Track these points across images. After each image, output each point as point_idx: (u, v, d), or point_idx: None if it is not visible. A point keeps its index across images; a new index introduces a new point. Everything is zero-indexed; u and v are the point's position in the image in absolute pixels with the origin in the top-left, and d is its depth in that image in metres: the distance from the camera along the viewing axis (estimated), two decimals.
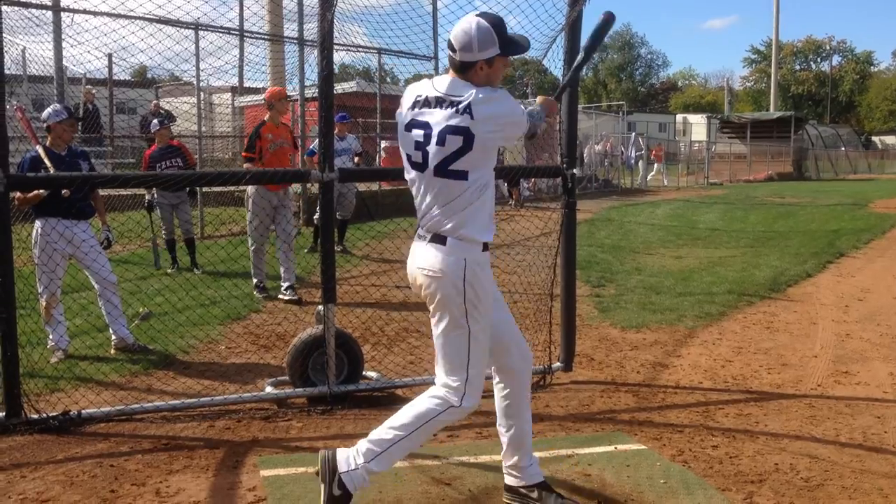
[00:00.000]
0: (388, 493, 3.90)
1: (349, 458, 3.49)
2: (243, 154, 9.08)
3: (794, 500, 3.93)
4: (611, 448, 4.56)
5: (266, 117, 8.88)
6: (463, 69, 3.37)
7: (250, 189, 8.77)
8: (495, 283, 3.67)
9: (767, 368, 6.33)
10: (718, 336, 7.36)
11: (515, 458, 3.78)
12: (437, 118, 3.34)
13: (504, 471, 3.83)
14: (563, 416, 5.13)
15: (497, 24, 3.36)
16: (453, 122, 3.30)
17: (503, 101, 3.38)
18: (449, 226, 3.40)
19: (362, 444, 3.51)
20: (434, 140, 3.34)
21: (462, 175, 3.35)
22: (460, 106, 3.30)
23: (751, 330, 7.61)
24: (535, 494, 3.74)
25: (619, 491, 4.00)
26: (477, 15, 3.38)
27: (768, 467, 4.33)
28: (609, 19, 3.85)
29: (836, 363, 6.48)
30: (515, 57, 3.54)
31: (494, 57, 3.35)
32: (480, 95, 3.30)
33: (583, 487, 4.00)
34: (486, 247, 3.48)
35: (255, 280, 8.86)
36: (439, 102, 3.36)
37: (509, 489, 3.82)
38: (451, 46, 3.38)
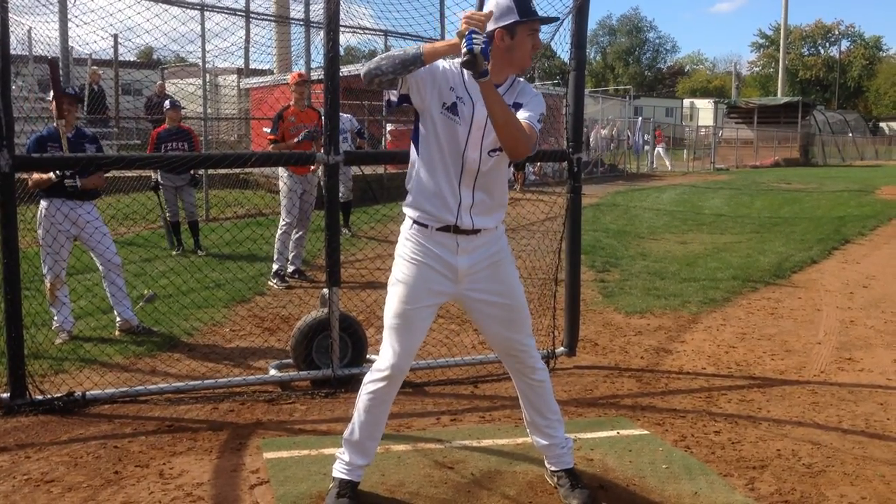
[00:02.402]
0: (390, 477, 3.91)
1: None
2: (268, 137, 9.11)
3: (795, 486, 3.93)
4: (613, 433, 4.57)
5: (291, 101, 8.96)
6: None
7: (282, 172, 8.84)
8: (501, 277, 3.57)
9: (771, 354, 6.32)
10: (722, 322, 7.36)
11: (539, 443, 3.80)
12: None
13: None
14: (566, 401, 5.14)
15: None
16: None
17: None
18: None
19: None
20: None
21: (413, 145, 3.46)
22: None
23: (755, 316, 7.60)
24: (554, 480, 3.77)
25: (622, 476, 4.00)
26: None
27: (770, 453, 4.33)
28: None
29: (840, 350, 6.47)
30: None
31: (515, 26, 3.28)
32: None
33: (585, 472, 4.00)
34: (422, 224, 3.44)
35: (275, 266, 8.65)
36: None
37: (547, 470, 3.87)
38: None
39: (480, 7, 3.45)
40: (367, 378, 3.56)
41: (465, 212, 3.41)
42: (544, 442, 3.76)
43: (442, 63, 3.35)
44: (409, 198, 3.48)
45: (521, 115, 3.30)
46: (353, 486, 3.59)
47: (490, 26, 3.25)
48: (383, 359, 3.49)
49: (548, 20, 3.52)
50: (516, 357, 3.65)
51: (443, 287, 3.49)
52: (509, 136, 3.21)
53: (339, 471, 3.61)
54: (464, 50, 3.04)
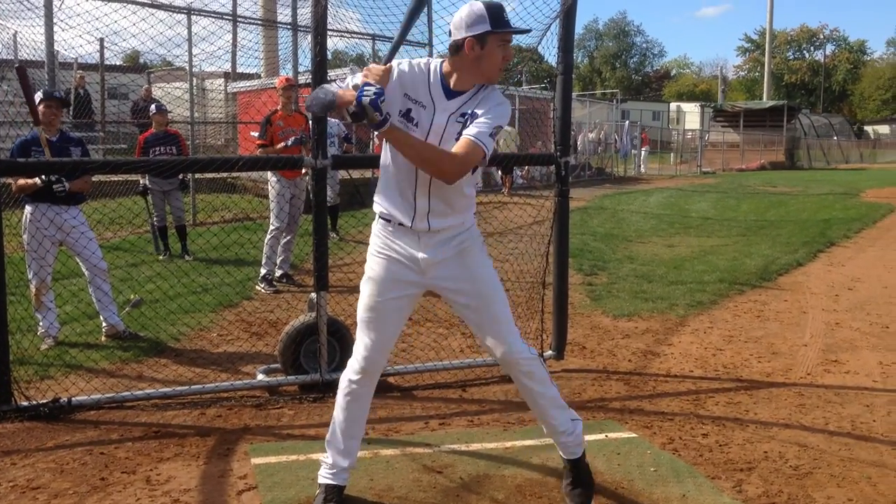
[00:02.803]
0: (378, 481, 3.90)
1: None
2: (256, 141, 9.09)
3: (783, 487, 3.95)
4: (602, 436, 4.58)
5: (279, 105, 8.95)
6: (455, 50, 3.33)
7: (272, 177, 8.83)
8: (472, 269, 3.54)
9: (757, 357, 6.35)
10: (709, 325, 7.39)
11: (545, 430, 3.77)
12: None
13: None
14: None
15: (493, 4, 3.31)
16: None
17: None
18: None
19: None
20: None
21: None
22: None
23: (741, 318, 7.63)
24: (562, 466, 3.78)
25: (610, 479, 4.01)
26: None
27: (758, 455, 4.35)
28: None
29: (826, 352, 6.50)
30: (514, 43, 3.45)
31: (486, 36, 3.27)
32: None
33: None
34: (386, 219, 3.49)
35: (263, 271, 8.59)
36: None
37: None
38: (449, 33, 3.37)
39: (406, 29, 3.42)
40: (343, 376, 3.59)
41: (422, 217, 3.42)
42: (546, 429, 3.74)
43: (408, 65, 3.38)
44: (376, 192, 3.55)
45: (469, 130, 3.27)
46: (339, 490, 3.59)
47: (462, 34, 3.28)
48: (357, 355, 3.53)
49: (520, 31, 3.52)
50: (498, 345, 3.55)
51: (409, 277, 3.50)
52: (430, 169, 3.28)
53: (324, 476, 3.61)
54: (353, 102, 3.11)
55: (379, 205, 3.51)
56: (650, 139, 36.26)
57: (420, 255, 3.45)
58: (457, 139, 3.29)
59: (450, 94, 3.37)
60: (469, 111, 3.33)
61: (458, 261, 3.50)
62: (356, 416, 3.59)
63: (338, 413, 3.58)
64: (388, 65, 3.28)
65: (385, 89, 3.19)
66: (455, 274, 3.50)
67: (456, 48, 3.32)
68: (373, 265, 3.52)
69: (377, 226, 3.54)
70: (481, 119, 3.29)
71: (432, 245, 3.46)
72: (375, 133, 3.24)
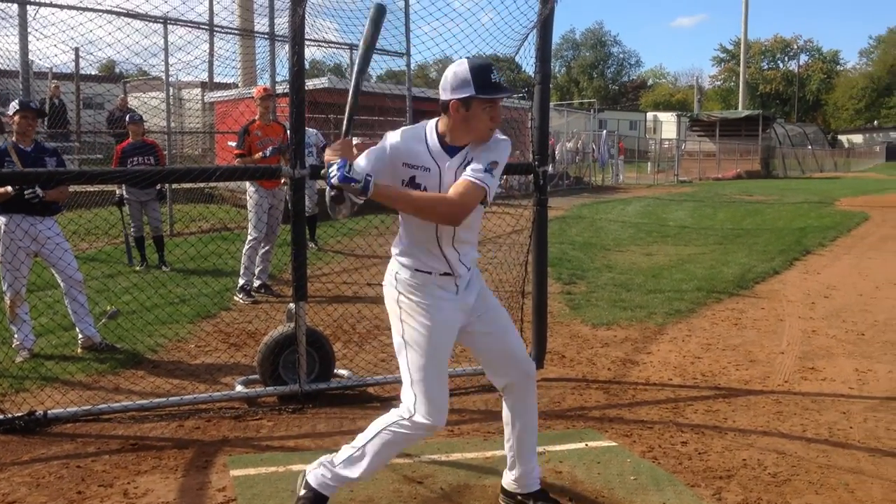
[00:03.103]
0: (359, 493, 3.88)
1: (319, 460, 3.52)
2: (234, 151, 9.04)
3: (761, 495, 3.97)
4: (581, 445, 4.59)
5: (256, 115, 8.91)
6: (444, 109, 3.34)
7: (249, 187, 8.77)
8: (487, 299, 3.62)
9: (735, 365, 6.39)
10: (688, 333, 7.43)
11: (515, 467, 3.77)
12: None
13: (505, 472, 3.84)
14: None
15: (479, 66, 3.28)
16: None
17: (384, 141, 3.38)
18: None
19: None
20: None
21: None
22: None
23: (719, 326, 7.68)
24: (531, 503, 3.75)
25: (590, 488, 4.02)
26: (466, 58, 3.34)
27: (736, 463, 4.37)
28: (381, 10, 3.48)
29: (803, 359, 6.56)
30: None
31: (471, 99, 3.26)
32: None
33: (554, 485, 4.02)
34: (425, 272, 3.41)
35: (241, 281, 8.54)
36: None
37: (506, 492, 3.83)
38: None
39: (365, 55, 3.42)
40: (402, 427, 3.40)
41: (457, 264, 3.45)
42: (522, 460, 3.72)
43: (399, 135, 3.36)
44: (401, 248, 3.47)
45: (466, 171, 3.28)
46: (326, 500, 3.54)
47: (447, 95, 3.29)
48: (424, 413, 3.36)
49: (504, 96, 3.39)
50: (519, 365, 3.63)
51: (458, 321, 3.50)
52: (433, 216, 3.30)
53: (331, 486, 3.49)
54: (329, 189, 3.15)
55: (410, 259, 3.43)
56: (626, 148, 36.51)
57: (464, 296, 3.49)
58: None
59: (450, 150, 3.37)
60: (468, 159, 3.35)
61: (483, 299, 3.59)
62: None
63: (382, 455, 3.44)
64: (347, 138, 3.27)
65: (370, 160, 3.23)
66: (479, 305, 3.56)
67: (444, 107, 3.33)
68: (423, 317, 3.39)
69: (415, 280, 3.41)
70: (475, 163, 3.31)
71: (465, 283, 3.51)
72: (363, 199, 3.20)
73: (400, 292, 3.43)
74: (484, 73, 3.26)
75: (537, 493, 3.76)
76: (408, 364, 3.40)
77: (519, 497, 3.79)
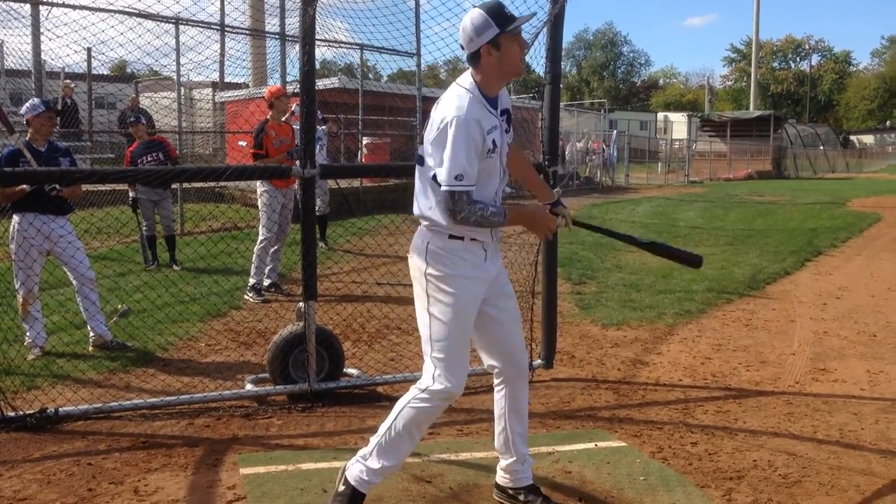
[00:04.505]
0: (368, 491, 3.88)
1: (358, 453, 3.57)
2: (251, 151, 9.04)
3: (772, 496, 3.96)
4: (591, 445, 4.58)
5: (269, 115, 8.92)
6: (472, 61, 3.37)
7: (261, 186, 8.78)
8: (505, 285, 3.66)
9: (746, 366, 6.37)
10: (698, 333, 7.41)
11: (506, 460, 3.79)
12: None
13: (497, 468, 3.85)
14: (544, 414, 5.14)
15: (491, 5, 3.32)
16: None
17: (442, 106, 3.35)
18: (418, 211, 3.48)
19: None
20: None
21: (421, 161, 3.44)
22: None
23: (730, 327, 7.65)
24: (522, 497, 3.75)
25: (600, 488, 4.01)
26: (474, 6, 3.38)
27: (747, 464, 4.36)
28: None
29: (814, 360, 6.53)
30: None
31: (498, 38, 3.30)
32: (443, 95, 3.42)
33: (563, 485, 4.02)
34: (448, 237, 3.42)
35: (252, 281, 8.55)
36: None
37: (499, 487, 3.85)
38: (462, 48, 3.41)
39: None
40: (421, 399, 3.45)
41: (496, 230, 3.56)
42: (517, 451, 3.75)
43: (467, 108, 3.28)
44: (436, 210, 3.43)
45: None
46: (363, 497, 3.55)
47: (475, 45, 3.31)
48: (443, 378, 3.40)
49: (526, 20, 3.45)
50: (513, 356, 3.67)
51: (482, 296, 3.53)
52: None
53: (365, 481, 3.51)
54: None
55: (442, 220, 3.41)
56: (634, 149, 36.36)
57: (489, 265, 3.54)
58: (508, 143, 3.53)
59: (492, 103, 3.43)
60: (504, 108, 3.48)
61: (502, 276, 3.67)
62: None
63: (412, 433, 3.49)
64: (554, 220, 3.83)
65: (471, 161, 3.26)
66: (497, 282, 3.62)
67: (473, 59, 3.35)
68: (451, 290, 3.40)
69: (447, 247, 3.41)
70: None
71: (493, 251, 3.58)
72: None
73: (428, 263, 3.43)
74: (499, 9, 3.32)
75: (529, 488, 3.76)
76: (430, 335, 3.44)
77: (510, 491, 3.79)
